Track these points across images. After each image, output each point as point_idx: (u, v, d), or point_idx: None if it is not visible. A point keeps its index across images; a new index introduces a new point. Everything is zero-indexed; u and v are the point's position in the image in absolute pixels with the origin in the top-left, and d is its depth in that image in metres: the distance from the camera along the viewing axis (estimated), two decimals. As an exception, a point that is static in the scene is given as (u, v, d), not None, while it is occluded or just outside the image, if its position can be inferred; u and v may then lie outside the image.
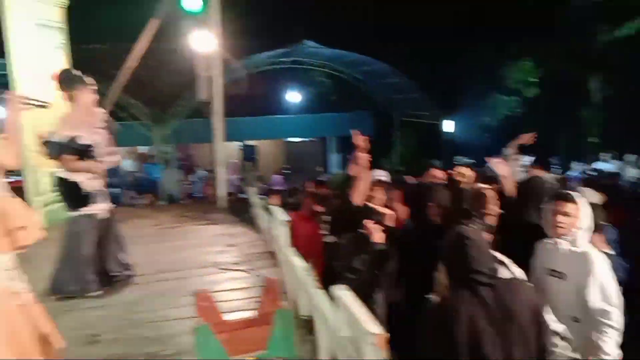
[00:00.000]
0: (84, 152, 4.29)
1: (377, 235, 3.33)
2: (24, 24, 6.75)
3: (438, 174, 5.01)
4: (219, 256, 5.28)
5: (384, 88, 18.26)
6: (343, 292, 2.62)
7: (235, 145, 16.21)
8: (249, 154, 15.55)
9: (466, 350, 2.19)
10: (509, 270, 2.49)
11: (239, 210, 7.54)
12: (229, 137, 8.96)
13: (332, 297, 3.03)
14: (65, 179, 4.27)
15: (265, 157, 20.23)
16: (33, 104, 2.91)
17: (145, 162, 16.07)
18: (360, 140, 3.77)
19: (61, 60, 7.58)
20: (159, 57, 12.01)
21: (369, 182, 3.89)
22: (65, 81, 4.30)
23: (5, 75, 6.63)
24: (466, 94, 18.54)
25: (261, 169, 17.42)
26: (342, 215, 3.77)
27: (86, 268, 4.32)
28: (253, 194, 7.73)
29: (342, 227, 3.65)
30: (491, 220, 3.56)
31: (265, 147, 20.92)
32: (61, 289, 4.21)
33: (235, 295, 4.08)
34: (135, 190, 13.60)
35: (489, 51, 16.89)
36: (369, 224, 3.34)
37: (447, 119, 18.09)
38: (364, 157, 3.77)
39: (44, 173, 6.60)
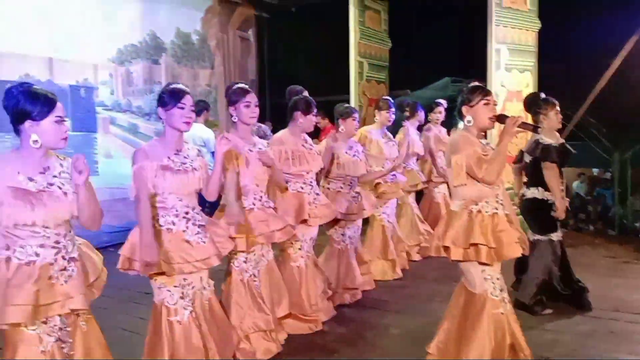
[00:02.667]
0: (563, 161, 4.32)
1: None
2: (501, 47, 7.38)
3: None
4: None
5: None
6: None
7: None
8: None
9: None
10: None
11: None
12: None
13: None
14: (543, 200, 4.34)
15: None
16: (528, 128, 3.07)
17: (598, 187, 14.99)
18: None
19: (528, 81, 7.92)
20: (625, 75, 11.00)
21: None
22: (532, 104, 4.47)
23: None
24: None
25: None
26: None
27: (544, 289, 4.42)
28: None
29: None
30: None
31: None
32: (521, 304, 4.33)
33: None
34: (583, 215, 12.89)
35: None
36: None
37: None
38: None
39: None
